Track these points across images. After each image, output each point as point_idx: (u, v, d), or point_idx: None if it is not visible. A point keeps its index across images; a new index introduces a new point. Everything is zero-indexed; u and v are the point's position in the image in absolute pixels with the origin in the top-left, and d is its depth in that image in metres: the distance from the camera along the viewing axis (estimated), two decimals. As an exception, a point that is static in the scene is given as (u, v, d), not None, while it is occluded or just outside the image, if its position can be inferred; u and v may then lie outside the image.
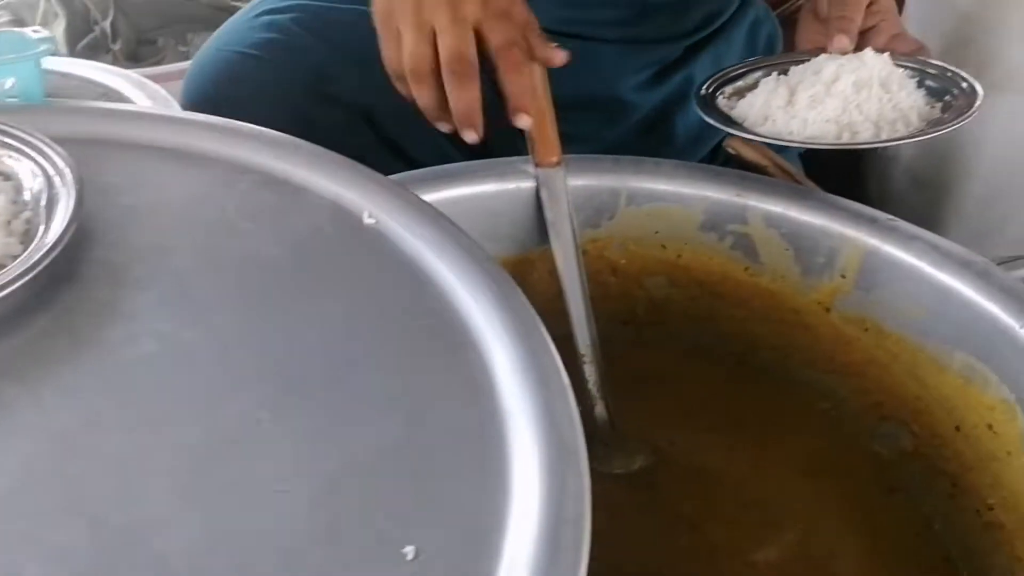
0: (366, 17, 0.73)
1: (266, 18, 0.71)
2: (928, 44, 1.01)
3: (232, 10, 1.09)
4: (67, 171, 0.42)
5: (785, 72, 0.64)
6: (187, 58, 1.02)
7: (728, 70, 0.65)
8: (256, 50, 0.69)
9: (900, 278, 0.56)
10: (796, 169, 0.69)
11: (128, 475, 0.34)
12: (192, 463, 0.35)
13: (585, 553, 0.33)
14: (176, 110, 0.69)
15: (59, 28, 1.09)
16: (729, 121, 0.60)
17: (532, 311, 0.41)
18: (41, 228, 0.41)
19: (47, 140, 0.43)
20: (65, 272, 0.41)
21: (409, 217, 0.46)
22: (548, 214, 0.59)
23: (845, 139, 0.55)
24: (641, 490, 0.57)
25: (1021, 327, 0.49)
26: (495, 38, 0.55)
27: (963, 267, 0.53)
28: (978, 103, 0.57)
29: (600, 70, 0.76)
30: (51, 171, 0.42)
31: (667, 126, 0.77)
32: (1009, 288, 0.51)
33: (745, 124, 0.59)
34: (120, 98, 0.70)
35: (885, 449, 0.60)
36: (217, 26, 0.83)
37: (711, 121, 0.59)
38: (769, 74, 0.65)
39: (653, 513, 0.56)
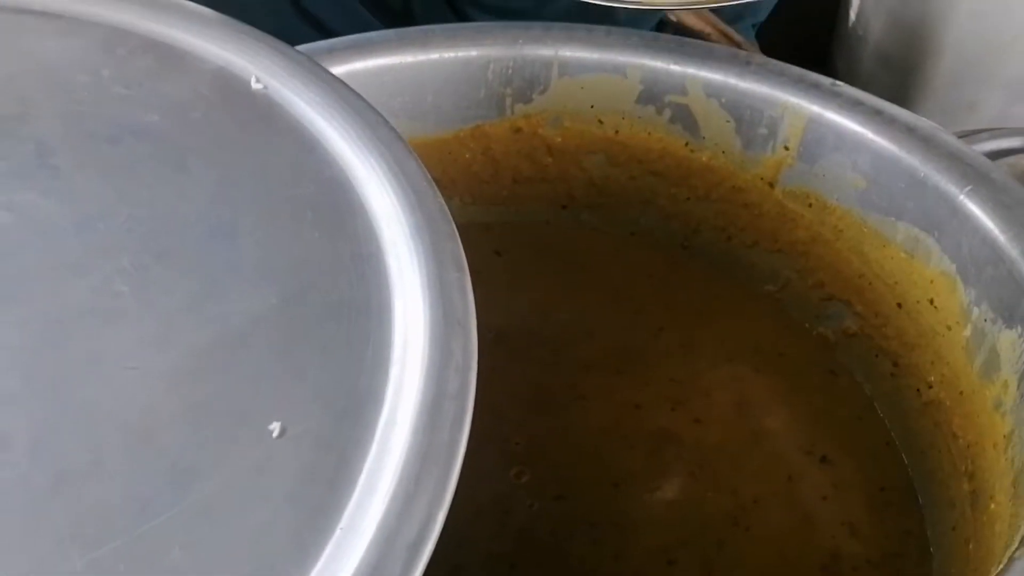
0: None
1: None
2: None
3: None
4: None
5: None
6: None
7: None
8: None
9: (844, 147, 0.52)
10: (746, 40, 0.66)
11: (-34, 353, 0.31)
12: (39, 339, 0.32)
13: (466, 428, 0.30)
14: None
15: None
16: None
17: (426, 176, 0.38)
18: None
19: None
20: (-89, 140, 0.37)
21: (300, 81, 0.42)
22: None
23: None
24: (557, 368, 0.56)
25: (963, 193, 0.46)
26: None
27: (908, 132, 0.50)
28: None
29: None
30: None
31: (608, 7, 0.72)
32: (955, 152, 0.48)
33: None
34: (5, -35, 0.65)
35: (829, 331, 0.58)
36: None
37: None
38: None
39: (568, 390, 0.55)
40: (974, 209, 0.45)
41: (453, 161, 0.63)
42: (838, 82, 0.53)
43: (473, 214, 0.66)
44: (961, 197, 0.46)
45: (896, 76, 0.98)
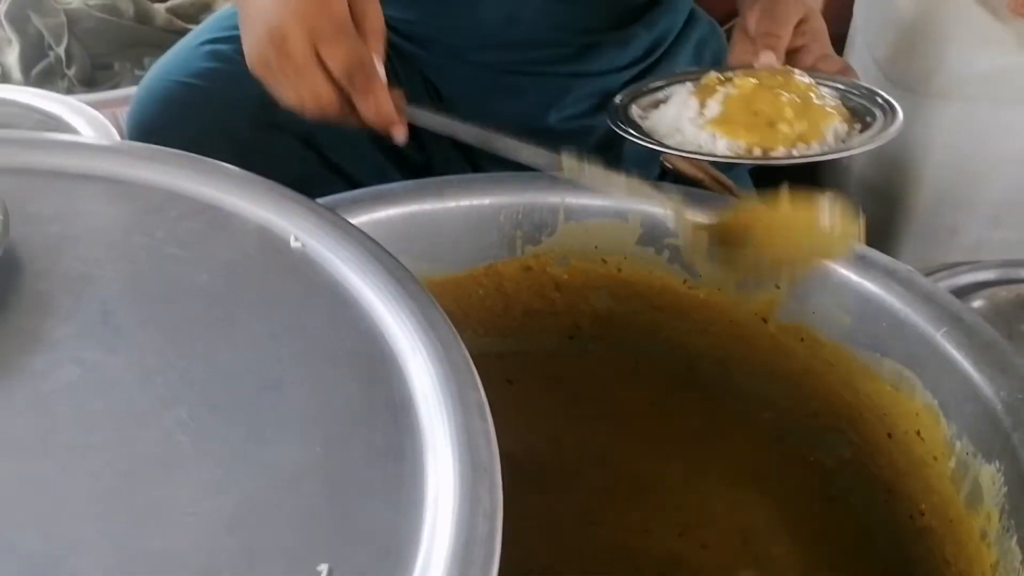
0: None
1: (209, 47, 0.72)
2: (874, 55, 1.03)
3: (184, 32, 1.09)
4: (-7, 202, 0.43)
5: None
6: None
7: (648, 82, 0.66)
8: (199, 79, 0.70)
9: (830, 287, 0.57)
10: (740, 184, 0.70)
11: (44, 500, 0.35)
12: (110, 487, 0.35)
13: (495, 569, 0.33)
14: (108, 139, 0.69)
15: (13, 55, 1.10)
16: (638, 131, 0.60)
17: (451, 329, 0.42)
18: (-36, 259, 0.41)
19: (-28, 171, 0.44)
20: (-11, 302, 0.41)
21: (335, 239, 0.46)
22: None
23: (757, 155, 0.55)
24: (569, 494, 0.58)
25: (940, 333, 0.50)
26: (333, 68, 0.54)
27: (887, 275, 0.54)
28: (897, 125, 0.58)
29: (545, 102, 0.78)
30: (-24, 202, 0.43)
31: (615, 152, 0.78)
32: (930, 295, 0.52)
33: (654, 136, 0.60)
34: (60, 124, 0.71)
35: (826, 458, 0.61)
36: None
37: (617, 129, 0.59)
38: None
39: (580, 515, 0.58)
40: (950, 349, 0.49)
41: (467, 296, 0.67)
42: (823, 227, 0.58)
43: (486, 344, 0.70)
44: (938, 337, 0.50)
45: (881, 204, 1.04)
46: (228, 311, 0.43)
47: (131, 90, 0.91)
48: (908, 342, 0.52)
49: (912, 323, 0.52)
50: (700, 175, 0.65)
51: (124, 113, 0.78)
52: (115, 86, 1.09)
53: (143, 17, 1.14)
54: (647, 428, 0.65)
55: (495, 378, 0.69)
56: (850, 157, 1.10)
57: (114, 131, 0.71)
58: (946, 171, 0.97)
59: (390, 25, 0.78)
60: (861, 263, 0.55)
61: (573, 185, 0.63)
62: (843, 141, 0.59)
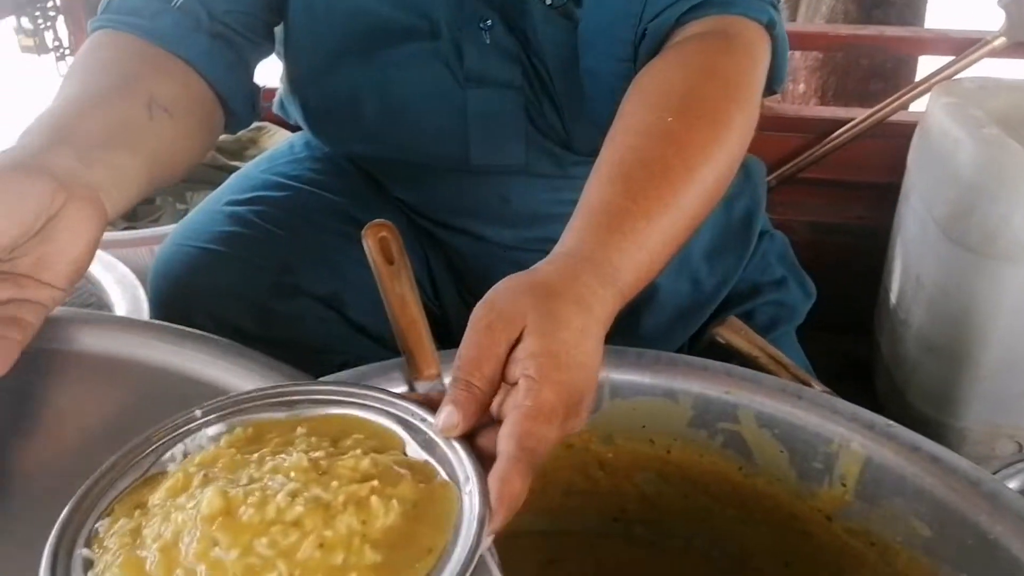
0: (327, 204, 0.73)
1: (228, 208, 0.71)
2: (932, 213, 0.99)
3: (229, 169, 1.09)
4: None
5: None
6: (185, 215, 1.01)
7: None
8: (217, 244, 0.69)
9: (905, 492, 0.51)
10: (793, 361, 0.66)
11: None
12: None
13: None
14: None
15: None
16: None
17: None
18: None
19: None
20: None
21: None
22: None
23: None
24: None
25: (1038, 562, 0.44)
26: None
27: (970, 486, 0.49)
28: None
29: None
30: None
31: (633, 322, 0.76)
32: (1020, 512, 0.47)
33: None
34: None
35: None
36: (215, 185, 0.83)
37: None
38: None
39: None
40: (1050, 582, 0.44)
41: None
42: (892, 423, 0.53)
43: (526, 523, 0.65)
44: (1032, 564, 0.45)
45: (943, 363, 0.98)
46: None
47: (170, 228, 0.90)
48: (1000, 567, 0.46)
49: (1005, 546, 0.46)
50: (755, 351, 0.61)
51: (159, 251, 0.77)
52: (156, 220, 1.09)
53: (189, 153, 1.14)
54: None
55: (535, 558, 0.65)
56: (908, 312, 1.05)
57: (140, 288, 0.69)
58: (1016, 334, 0.92)
59: (413, 208, 0.79)
60: (938, 468, 0.50)
61: (620, 360, 0.59)
62: None
